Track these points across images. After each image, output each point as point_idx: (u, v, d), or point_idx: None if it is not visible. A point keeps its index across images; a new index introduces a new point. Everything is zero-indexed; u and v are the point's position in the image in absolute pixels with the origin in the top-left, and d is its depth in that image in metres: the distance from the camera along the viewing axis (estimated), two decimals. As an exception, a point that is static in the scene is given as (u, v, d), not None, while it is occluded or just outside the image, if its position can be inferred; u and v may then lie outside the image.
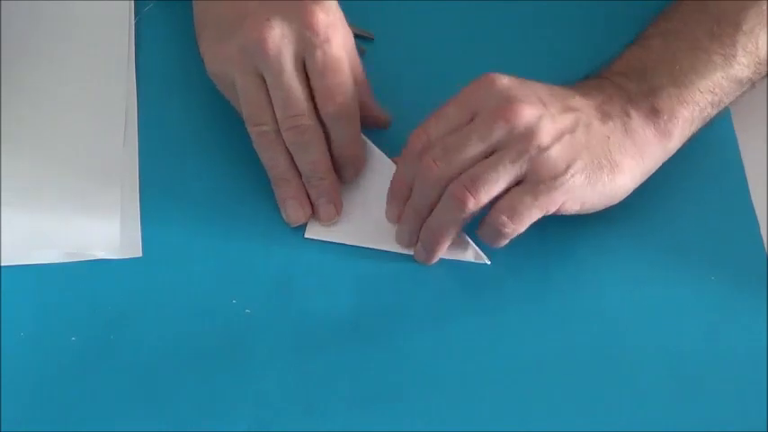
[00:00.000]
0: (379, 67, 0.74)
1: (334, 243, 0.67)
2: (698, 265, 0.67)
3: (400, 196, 0.65)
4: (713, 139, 0.71)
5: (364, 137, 0.68)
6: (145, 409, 0.62)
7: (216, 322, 0.64)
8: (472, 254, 0.67)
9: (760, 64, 0.67)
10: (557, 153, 0.61)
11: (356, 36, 0.75)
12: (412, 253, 0.67)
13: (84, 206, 0.68)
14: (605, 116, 0.63)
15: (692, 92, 0.65)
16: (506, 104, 0.60)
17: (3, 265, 0.65)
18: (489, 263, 0.67)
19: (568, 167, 0.61)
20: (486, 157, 0.61)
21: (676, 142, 0.65)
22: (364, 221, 0.68)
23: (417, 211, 0.64)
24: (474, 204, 0.61)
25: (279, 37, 0.63)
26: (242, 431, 0.61)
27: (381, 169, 0.68)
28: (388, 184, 0.66)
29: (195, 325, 0.64)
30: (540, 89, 0.63)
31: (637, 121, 0.64)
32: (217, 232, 0.67)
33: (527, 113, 0.60)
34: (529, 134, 0.60)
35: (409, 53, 0.76)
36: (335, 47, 0.63)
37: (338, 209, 0.67)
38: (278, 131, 0.65)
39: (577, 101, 0.63)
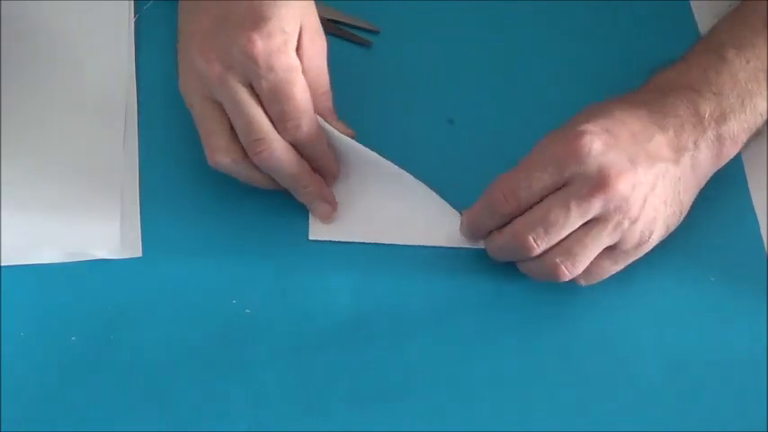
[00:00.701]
0: (385, 60, 0.74)
1: (334, 242, 0.67)
2: (698, 266, 0.67)
3: (476, 232, 0.66)
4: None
5: (347, 138, 0.67)
6: (145, 409, 0.62)
7: (216, 322, 0.64)
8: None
9: None
10: (643, 223, 0.62)
11: (361, 29, 0.76)
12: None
13: (84, 206, 0.68)
14: (678, 153, 0.63)
15: (754, 117, 0.65)
16: (603, 178, 0.60)
17: (3, 265, 0.65)
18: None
19: (651, 234, 0.62)
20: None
21: (721, 164, 0.66)
22: (366, 217, 0.68)
23: (505, 253, 0.64)
24: (569, 276, 0.62)
25: (224, 69, 0.62)
26: (242, 431, 0.61)
27: (374, 163, 0.68)
28: (383, 177, 0.67)
29: (195, 325, 0.64)
30: (626, 139, 0.61)
31: (704, 153, 0.64)
32: (217, 232, 0.67)
33: (622, 186, 0.60)
34: (623, 207, 0.60)
35: (415, 46, 0.76)
36: (281, 71, 0.62)
37: (333, 205, 0.67)
38: (241, 157, 0.65)
39: (656, 142, 0.62)
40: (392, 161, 0.68)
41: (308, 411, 0.62)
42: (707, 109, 0.64)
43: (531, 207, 0.61)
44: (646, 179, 0.61)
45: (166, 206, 0.68)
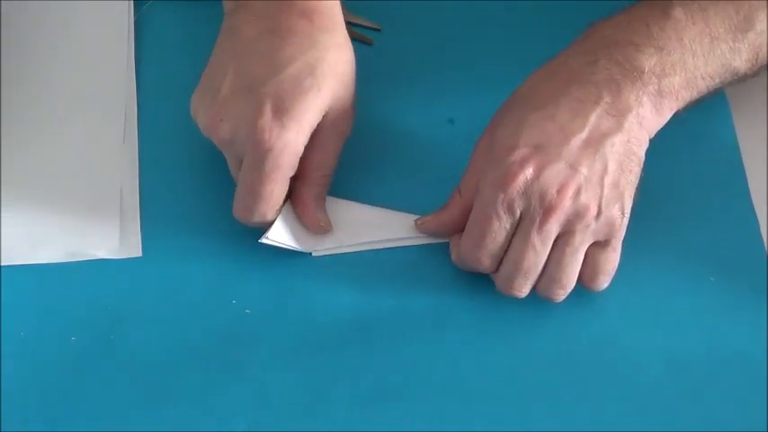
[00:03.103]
0: (386, 58, 0.74)
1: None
2: (698, 266, 0.67)
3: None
4: (713, 140, 0.71)
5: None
6: (145, 409, 0.62)
7: (216, 322, 0.64)
8: None
9: (756, 66, 0.66)
10: (609, 209, 0.61)
11: (363, 27, 0.76)
12: (408, 243, 0.67)
13: (84, 206, 0.68)
14: (621, 116, 0.62)
15: (695, 77, 0.64)
16: (549, 202, 0.60)
17: (3, 265, 0.65)
18: None
19: (623, 208, 0.62)
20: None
21: (665, 121, 0.65)
22: (353, 223, 0.68)
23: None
24: (565, 296, 0.64)
25: (228, 140, 0.63)
26: (242, 431, 0.61)
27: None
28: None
29: (195, 325, 0.64)
30: (558, 141, 0.61)
31: (647, 107, 0.63)
32: (217, 232, 0.67)
33: (569, 198, 0.60)
34: (581, 212, 0.61)
35: (416, 45, 0.76)
36: (274, 158, 0.61)
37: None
38: None
39: (592, 122, 0.61)
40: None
41: (308, 411, 0.62)
42: (647, 63, 0.62)
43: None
44: (592, 171, 0.61)
45: (166, 206, 0.68)
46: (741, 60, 0.65)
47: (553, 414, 0.63)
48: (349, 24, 0.74)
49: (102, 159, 0.70)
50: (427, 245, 0.68)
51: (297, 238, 0.66)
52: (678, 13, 0.64)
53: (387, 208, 0.68)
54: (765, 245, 0.69)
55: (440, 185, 0.69)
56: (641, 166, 0.63)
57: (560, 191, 0.60)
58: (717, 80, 0.65)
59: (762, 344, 0.65)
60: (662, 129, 0.64)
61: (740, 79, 0.67)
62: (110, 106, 0.71)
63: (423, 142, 0.72)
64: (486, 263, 0.63)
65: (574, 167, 0.60)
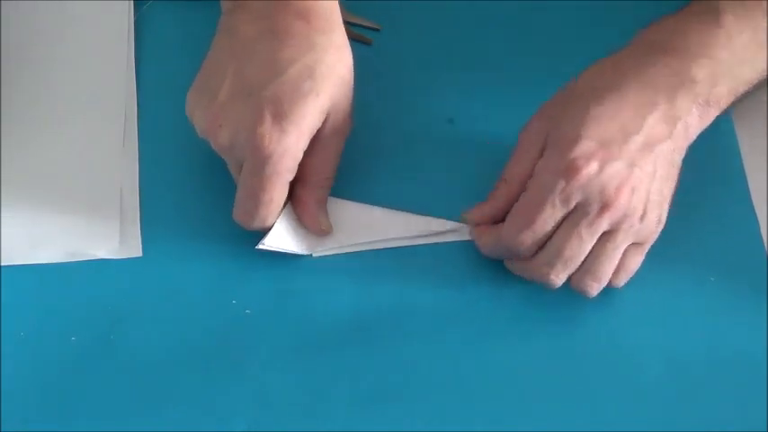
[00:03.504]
0: (385, 58, 0.74)
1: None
2: (698, 266, 0.67)
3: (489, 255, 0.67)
4: (714, 140, 0.71)
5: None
6: (144, 409, 0.62)
7: (216, 322, 0.64)
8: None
9: None
10: (651, 214, 0.62)
11: (362, 27, 0.76)
12: (407, 243, 0.68)
13: (84, 206, 0.68)
14: (671, 124, 0.63)
15: (738, 84, 0.65)
16: (606, 198, 0.60)
17: (3, 265, 0.65)
18: None
19: (660, 215, 0.63)
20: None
21: (705, 127, 0.66)
22: (353, 223, 0.68)
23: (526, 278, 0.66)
24: (597, 292, 0.64)
25: (228, 145, 0.63)
26: (242, 431, 0.61)
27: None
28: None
29: (195, 325, 0.64)
30: (619, 139, 0.61)
31: (694, 116, 0.64)
32: (217, 232, 0.67)
33: (624, 197, 0.61)
34: (629, 213, 0.61)
35: (415, 45, 0.76)
36: (273, 163, 0.61)
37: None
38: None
39: (648, 125, 0.62)
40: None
41: (308, 412, 0.62)
42: (700, 74, 0.64)
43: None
44: (644, 174, 0.62)
45: (166, 206, 0.68)
46: None
47: (553, 414, 0.63)
48: (348, 24, 0.74)
49: (102, 159, 0.70)
50: (427, 245, 0.68)
51: (296, 241, 0.66)
52: (729, 20, 0.65)
53: (387, 208, 0.68)
54: (765, 245, 0.69)
55: (440, 185, 0.70)
56: (679, 176, 0.64)
57: (618, 189, 0.61)
58: (755, 84, 0.67)
59: (762, 344, 0.65)
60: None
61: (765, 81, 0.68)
62: (110, 106, 0.71)
63: (423, 142, 0.72)
64: (528, 245, 0.63)
65: (631, 167, 0.61)
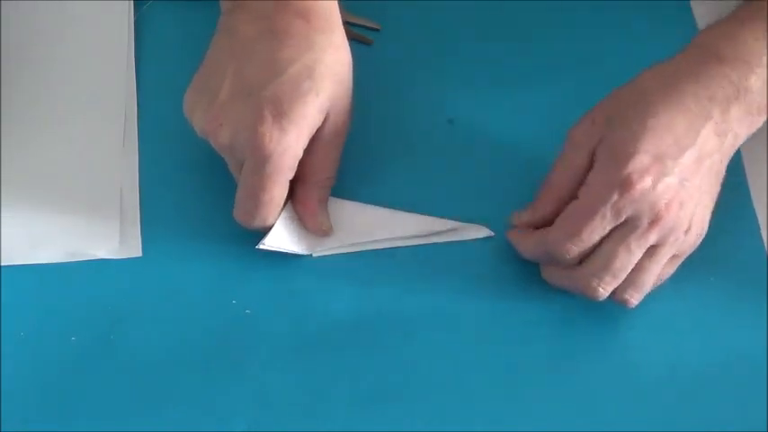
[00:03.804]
0: (385, 58, 0.74)
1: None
2: (698, 266, 0.67)
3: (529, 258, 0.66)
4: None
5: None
6: (144, 409, 0.62)
7: (216, 322, 0.64)
8: (476, 230, 0.68)
9: None
10: (696, 227, 0.63)
11: (362, 27, 0.76)
12: (408, 243, 0.67)
13: (84, 206, 0.68)
14: (723, 136, 0.63)
15: None
16: (657, 212, 0.61)
17: (3, 265, 0.65)
18: (493, 234, 0.68)
19: (703, 227, 0.64)
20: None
21: (754, 130, 0.66)
22: (353, 223, 0.68)
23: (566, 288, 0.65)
24: (637, 303, 0.64)
25: (228, 144, 0.63)
26: (242, 431, 0.61)
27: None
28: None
29: (195, 325, 0.64)
30: (673, 153, 0.61)
31: (745, 124, 0.64)
32: (217, 232, 0.67)
33: (674, 212, 0.61)
34: (677, 226, 0.62)
35: (415, 45, 0.76)
36: (274, 162, 0.61)
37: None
38: None
39: (702, 138, 0.62)
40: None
41: (308, 412, 0.62)
42: (756, 84, 0.63)
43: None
44: (693, 188, 0.62)
45: (166, 206, 0.68)
46: None
47: (553, 414, 0.63)
48: (348, 24, 0.75)
49: (102, 159, 0.70)
50: (427, 245, 0.68)
51: (296, 241, 0.66)
52: None
53: (387, 208, 0.68)
54: (765, 245, 0.69)
55: (440, 185, 0.70)
56: (720, 183, 0.64)
57: (668, 205, 0.61)
58: None
59: (762, 344, 0.65)
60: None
61: None
62: (110, 106, 0.71)
63: (423, 142, 0.72)
64: (573, 254, 0.62)
65: (682, 183, 0.61)
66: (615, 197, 0.60)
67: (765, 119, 0.65)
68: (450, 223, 0.68)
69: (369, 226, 0.68)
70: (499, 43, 0.76)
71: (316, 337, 0.64)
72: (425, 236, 0.68)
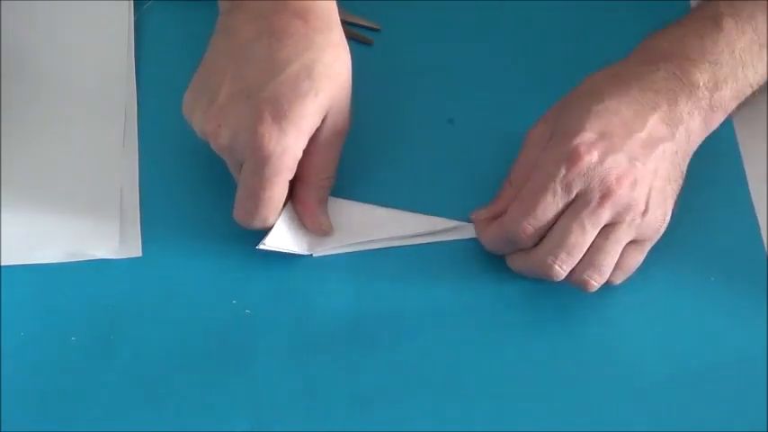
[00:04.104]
0: (385, 58, 0.74)
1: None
2: (698, 266, 0.67)
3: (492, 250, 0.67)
4: (713, 140, 0.70)
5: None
6: (145, 409, 0.62)
7: (216, 322, 0.64)
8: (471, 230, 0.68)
9: None
10: (654, 211, 0.63)
11: (362, 27, 0.75)
12: (408, 243, 0.68)
13: (84, 206, 0.68)
14: (673, 126, 0.64)
15: (744, 86, 0.66)
16: (607, 187, 0.61)
17: (3, 265, 0.65)
18: None
19: (664, 215, 0.64)
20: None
21: (710, 132, 0.66)
22: (353, 222, 0.68)
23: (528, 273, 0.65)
24: (598, 286, 0.64)
25: (228, 145, 0.63)
26: (242, 431, 0.61)
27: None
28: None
29: (195, 325, 0.64)
30: (621, 134, 0.62)
31: (697, 121, 0.65)
32: (217, 232, 0.67)
33: (626, 188, 0.61)
34: (632, 205, 0.62)
35: (415, 45, 0.76)
36: (273, 163, 0.61)
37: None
38: None
39: (650, 125, 0.63)
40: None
41: (308, 412, 0.62)
42: (701, 79, 0.64)
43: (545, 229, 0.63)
44: (646, 170, 0.62)
45: (166, 206, 0.68)
46: None
47: (553, 414, 0.63)
48: (348, 24, 0.75)
49: (102, 159, 0.70)
50: (427, 244, 0.68)
51: (296, 241, 0.66)
52: (729, 24, 0.66)
53: (387, 207, 0.68)
54: (765, 245, 0.69)
55: (440, 185, 0.70)
56: (682, 180, 0.65)
57: (618, 179, 0.61)
58: (762, 84, 0.67)
59: (762, 344, 0.65)
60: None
61: None
62: (110, 106, 0.71)
63: (423, 142, 0.72)
64: (530, 233, 0.63)
65: (632, 161, 0.62)
66: (563, 171, 0.61)
67: (722, 117, 0.66)
68: (450, 222, 0.68)
69: (369, 226, 0.68)
70: (499, 43, 0.76)
71: (316, 337, 0.64)
72: (425, 235, 0.68)
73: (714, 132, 0.67)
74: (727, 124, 0.72)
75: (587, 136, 0.62)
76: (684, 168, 0.65)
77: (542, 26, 0.77)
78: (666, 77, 0.64)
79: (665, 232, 0.65)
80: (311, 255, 0.67)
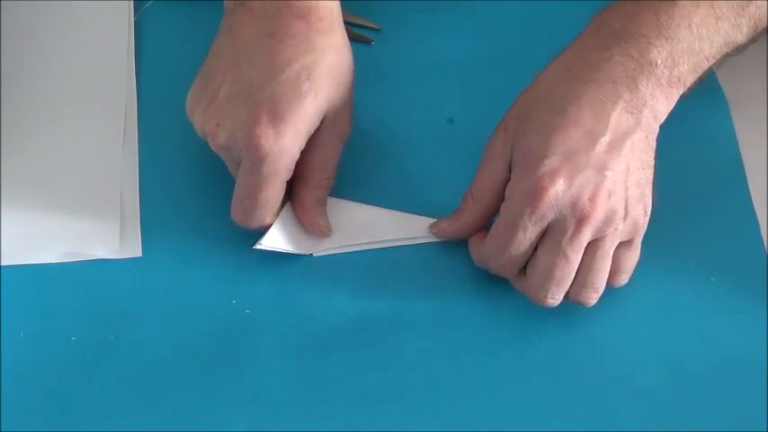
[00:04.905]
0: (385, 58, 0.74)
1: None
2: (698, 266, 0.67)
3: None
4: (713, 139, 0.71)
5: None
6: (145, 409, 0.62)
7: (216, 322, 0.64)
8: None
9: (755, 36, 0.66)
10: (635, 209, 0.62)
11: (362, 27, 0.76)
12: (407, 243, 0.68)
13: (84, 206, 0.68)
14: (638, 113, 0.62)
15: (701, 60, 0.64)
16: (581, 210, 0.60)
17: (3, 265, 0.65)
18: None
19: (646, 206, 0.63)
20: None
21: (672, 107, 0.65)
22: (353, 223, 0.68)
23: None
24: (596, 300, 0.64)
25: (225, 144, 0.63)
26: (242, 431, 0.61)
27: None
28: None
29: (195, 325, 0.64)
30: (584, 147, 0.61)
31: (660, 99, 0.63)
32: (217, 232, 0.67)
33: (601, 205, 0.60)
34: (610, 217, 0.61)
35: (415, 45, 0.76)
36: (268, 169, 0.61)
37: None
38: None
39: (614, 123, 0.61)
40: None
41: (308, 412, 0.62)
42: (659, 57, 0.63)
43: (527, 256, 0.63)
44: (617, 173, 0.61)
45: (166, 206, 0.68)
46: (742, 35, 0.65)
47: (553, 414, 0.63)
48: (348, 24, 0.75)
49: (102, 159, 0.70)
50: (427, 245, 0.68)
51: (294, 242, 0.66)
52: None
53: (387, 208, 0.68)
54: (765, 245, 0.69)
55: (440, 186, 0.70)
56: (655, 158, 0.63)
57: (592, 199, 0.60)
58: (719, 58, 0.65)
59: (762, 344, 0.65)
60: (662, 129, 0.64)
61: (738, 51, 0.67)
62: (110, 106, 0.72)
63: (423, 142, 0.72)
64: (508, 269, 0.63)
65: (601, 172, 0.60)
66: (529, 209, 0.60)
67: (681, 91, 0.64)
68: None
69: (368, 226, 0.68)
70: (499, 43, 0.76)
71: (315, 337, 0.64)
72: (425, 236, 0.68)
73: (714, 132, 0.68)
74: (728, 125, 0.73)
75: (550, 163, 0.60)
76: (654, 145, 0.63)
77: (542, 26, 0.77)
78: (622, 62, 0.62)
79: (664, 232, 0.64)
80: (311, 255, 0.67)
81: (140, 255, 0.66)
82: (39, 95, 0.72)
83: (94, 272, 0.66)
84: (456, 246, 0.68)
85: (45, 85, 0.72)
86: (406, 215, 0.68)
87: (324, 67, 0.62)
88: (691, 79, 0.64)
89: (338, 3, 0.65)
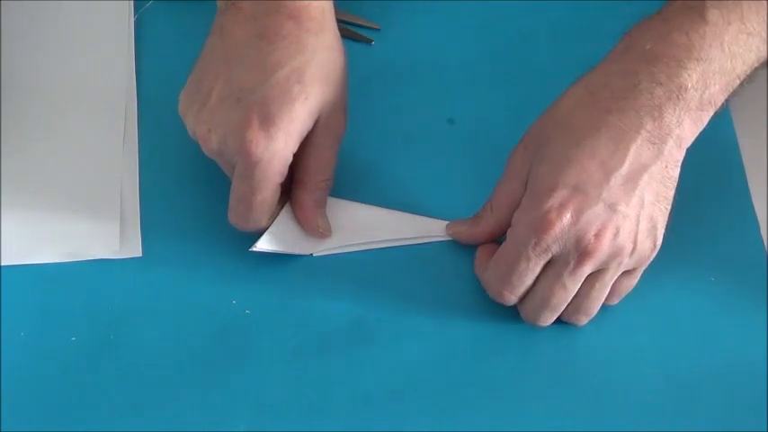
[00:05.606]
0: (385, 58, 0.74)
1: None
2: (698, 266, 0.67)
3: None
4: (713, 140, 0.70)
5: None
6: (145, 409, 0.62)
7: (216, 323, 0.64)
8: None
9: None
10: (645, 245, 0.61)
11: (362, 27, 0.76)
12: (407, 243, 0.68)
13: (84, 206, 0.68)
14: (660, 143, 0.60)
15: (732, 79, 0.62)
16: (585, 246, 0.59)
17: (3, 265, 0.65)
18: None
19: (656, 239, 0.62)
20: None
21: (701, 129, 0.63)
22: (353, 223, 0.68)
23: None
24: (587, 321, 0.64)
25: (217, 149, 0.63)
26: (242, 431, 0.61)
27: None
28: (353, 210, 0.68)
29: (195, 325, 0.64)
30: (597, 179, 0.59)
31: (687, 125, 0.61)
32: (217, 232, 0.67)
33: (606, 242, 0.59)
34: (616, 252, 0.60)
35: (415, 45, 0.76)
36: (262, 168, 0.61)
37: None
38: None
39: (632, 156, 0.60)
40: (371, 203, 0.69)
41: (308, 412, 0.62)
42: (690, 81, 0.61)
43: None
44: (630, 208, 0.60)
45: (166, 206, 0.68)
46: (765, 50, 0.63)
47: (552, 415, 0.63)
48: (348, 24, 0.75)
49: (102, 159, 0.70)
50: (428, 245, 0.68)
51: (293, 243, 0.66)
52: (714, 15, 0.61)
53: (387, 208, 0.68)
54: (765, 245, 0.69)
55: (440, 186, 0.70)
56: (675, 185, 0.62)
57: (598, 235, 0.59)
58: (749, 74, 0.63)
59: (762, 345, 0.65)
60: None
61: (764, 66, 0.65)
62: (110, 106, 0.72)
63: (423, 142, 0.72)
64: (508, 297, 0.63)
65: (612, 208, 0.59)
66: (534, 240, 0.60)
67: (712, 112, 0.62)
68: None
69: (368, 226, 0.68)
70: (499, 43, 0.76)
71: (315, 337, 0.64)
72: (425, 236, 0.68)
73: (714, 132, 0.67)
74: (728, 124, 0.73)
75: (559, 196, 0.59)
76: (677, 174, 0.62)
77: (542, 26, 0.77)
78: (650, 89, 0.60)
79: (664, 232, 0.64)
80: (311, 255, 0.67)
81: (140, 255, 0.67)
82: (39, 95, 0.72)
83: (94, 272, 0.66)
84: (456, 246, 0.68)
85: (45, 85, 0.72)
86: (406, 215, 0.68)
87: (315, 69, 0.62)
88: (721, 99, 0.62)
89: (330, 2, 0.65)
